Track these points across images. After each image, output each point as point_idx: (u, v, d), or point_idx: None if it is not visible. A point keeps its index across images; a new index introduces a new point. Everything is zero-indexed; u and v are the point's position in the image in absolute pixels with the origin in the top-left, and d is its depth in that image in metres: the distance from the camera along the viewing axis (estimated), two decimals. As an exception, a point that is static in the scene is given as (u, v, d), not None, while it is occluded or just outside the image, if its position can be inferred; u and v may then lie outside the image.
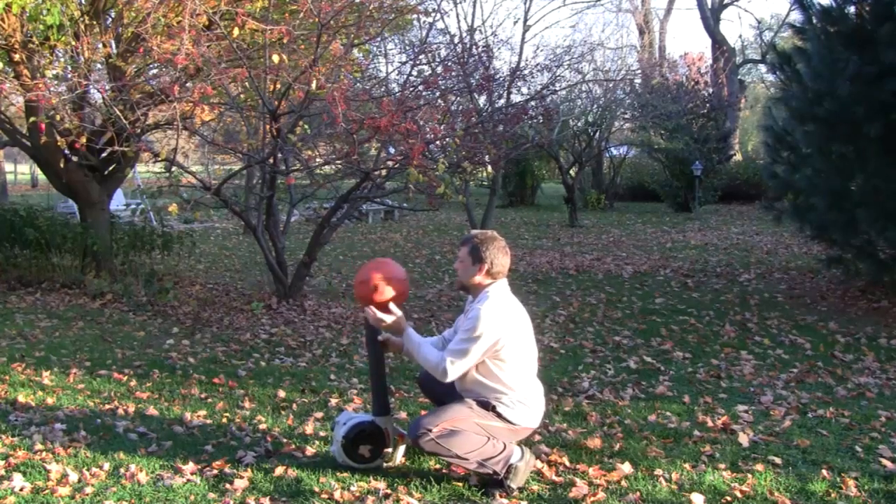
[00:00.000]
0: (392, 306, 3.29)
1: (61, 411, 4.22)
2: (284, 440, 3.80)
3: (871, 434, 3.82)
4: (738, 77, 27.79)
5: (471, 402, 3.21)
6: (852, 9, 7.28)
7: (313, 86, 5.82)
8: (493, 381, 3.20)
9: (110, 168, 8.46)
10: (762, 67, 31.41)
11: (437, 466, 3.45)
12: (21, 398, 4.42)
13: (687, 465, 3.42)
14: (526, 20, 15.03)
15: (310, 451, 3.64)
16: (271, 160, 6.96)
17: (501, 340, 3.14)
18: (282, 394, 4.60)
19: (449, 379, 3.18)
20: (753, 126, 32.10)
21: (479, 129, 8.31)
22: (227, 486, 3.24)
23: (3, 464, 3.45)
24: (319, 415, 4.18)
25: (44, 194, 22.13)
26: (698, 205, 18.25)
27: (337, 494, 3.14)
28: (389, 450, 3.44)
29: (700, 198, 18.28)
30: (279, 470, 3.39)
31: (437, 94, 7.70)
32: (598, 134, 18.29)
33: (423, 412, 4.14)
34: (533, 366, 3.33)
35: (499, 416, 3.20)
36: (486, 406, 3.20)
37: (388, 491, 3.18)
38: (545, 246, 12.91)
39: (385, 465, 3.43)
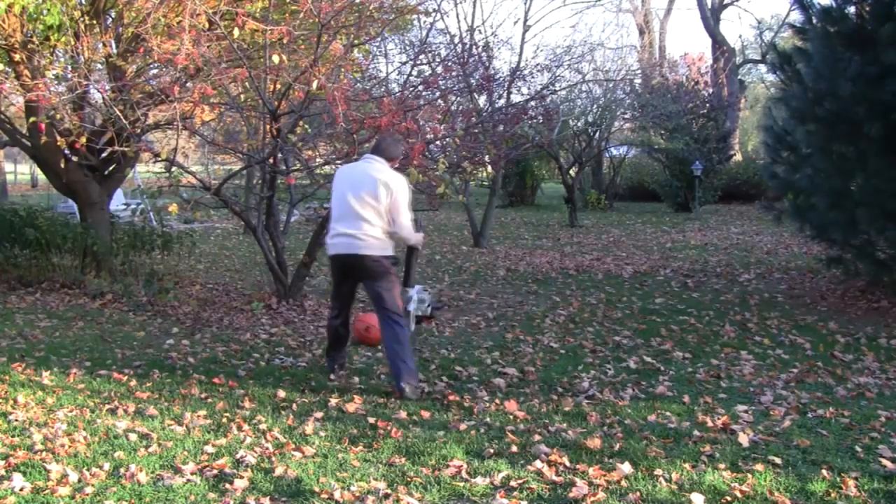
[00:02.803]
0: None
1: (61, 411, 4.22)
2: (284, 440, 3.80)
3: (871, 434, 3.82)
4: (738, 77, 27.78)
5: None
6: (852, 9, 7.28)
7: (313, 86, 5.82)
8: None
9: (110, 168, 8.46)
10: (762, 67, 31.42)
11: (437, 466, 3.45)
12: (21, 398, 4.42)
13: (687, 465, 3.42)
14: (526, 20, 15.04)
15: (310, 451, 3.64)
16: (271, 160, 6.96)
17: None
18: (282, 394, 4.60)
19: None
20: (753, 126, 32.10)
21: (479, 129, 8.32)
22: (227, 486, 3.24)
23: (3, 464, 3.44)
24: (319, 415, 4.17)
25: (44, 194, 22.12)
26: (698, 205, 18.25)
27: (337, 494, 3.14)
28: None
29: (700, 198, 18.28)
30: (279, 470, 3.39)
31: (437, 94, 7.70)
32: (598, 134, 18.29)
33: (423, 413, 4.16)
34: (343, 204, 4.60)
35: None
36: None
37: (388, 491, 3.18)
38: (545, 246, 12.91)
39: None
